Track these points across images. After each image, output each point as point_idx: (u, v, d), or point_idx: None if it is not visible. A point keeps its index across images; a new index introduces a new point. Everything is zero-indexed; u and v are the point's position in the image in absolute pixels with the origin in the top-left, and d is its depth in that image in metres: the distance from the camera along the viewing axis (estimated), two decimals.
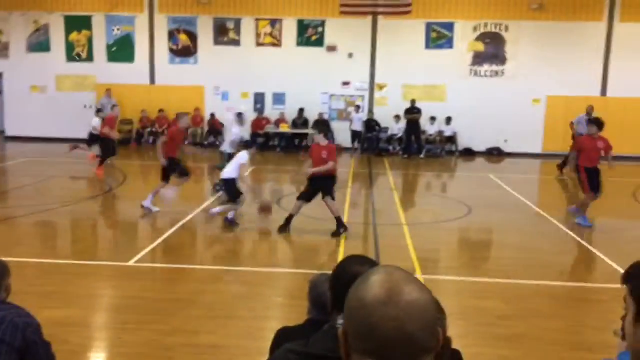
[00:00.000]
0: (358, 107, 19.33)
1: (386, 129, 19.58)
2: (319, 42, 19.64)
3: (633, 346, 1.38)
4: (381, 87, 19.80)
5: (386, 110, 19.53)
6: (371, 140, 19.39)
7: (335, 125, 19.81)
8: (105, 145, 14.21)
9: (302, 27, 19.64)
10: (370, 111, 19.64)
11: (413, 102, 18.97)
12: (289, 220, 8.94)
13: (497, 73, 19.38)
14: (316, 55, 19.62)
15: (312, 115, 19.60)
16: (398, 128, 19.47)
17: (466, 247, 9.05)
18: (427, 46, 19.38)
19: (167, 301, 6.07)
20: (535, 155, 19.27)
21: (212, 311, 5.82)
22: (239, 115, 12.35)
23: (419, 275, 7.03)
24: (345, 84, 19.81)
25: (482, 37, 19.28)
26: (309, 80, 19.54)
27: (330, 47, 19.56)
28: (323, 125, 10.35)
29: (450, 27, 19.24)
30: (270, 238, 9.02)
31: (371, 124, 19.42)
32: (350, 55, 19.55)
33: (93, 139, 15.14)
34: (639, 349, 1.38)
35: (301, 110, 19.64)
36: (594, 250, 8.56)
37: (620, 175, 16.11)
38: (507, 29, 19.15)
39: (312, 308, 2.82)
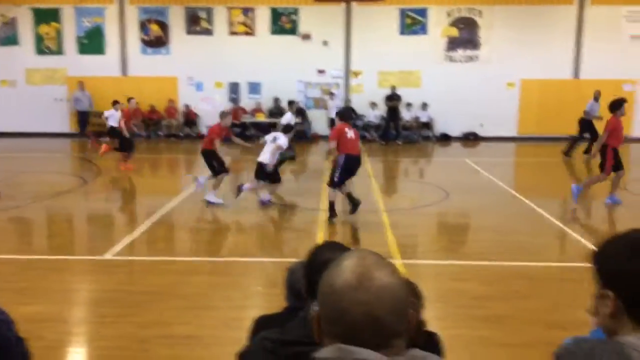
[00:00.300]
0: (332, 94, 19.28)
1: (362, 116, 19.57)
2: (293, 30, 19.52)
3: (600, 323, 1.40)
4: (356, 74, 19.77)
5: (362, 97, 19.52)
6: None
7: (312, 114, 19.77)
8: (125, 139, 13.84)
9: (276, 15, 19.49)
10: (347, 99, 19.61)
11: (393, 88, 19.01)
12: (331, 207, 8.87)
13: (471, 58, 19.47)
14: (290, 44, 19.50)
15: (287, 104, 19.51)
16: (374, 115, 19.48)
17: (444, 230, 9.11)
18: (402, 32, 19.38)
19: (144, 294, 6.00)
20: (511, 138, 19.45)
21: (188, 302, 5.77)
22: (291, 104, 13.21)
23: (398, 260, 7.05)
24: (321, 71, 19.73)
25: (456, 23, 19.34)
26: (284, 69, 19.42)
27: (305, 35, 19.45)
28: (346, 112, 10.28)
29: (423, 12, 19.25)
30: (250, 228, 8.97)
31: (342, 113, 19.33)
32: (325, 43, 19.46)
33: (114, 133, 14.14)
34: (606, 325, 1.40)
35: (277, 100, 19.53)
36: (569, 231, 8.67)
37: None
38: (480, 14, 19.22)
39: (288, 295, 2.80)
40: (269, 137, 10.22)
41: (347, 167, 8.80)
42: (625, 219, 9.47)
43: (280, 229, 9.11)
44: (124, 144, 13.89)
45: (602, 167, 10.24)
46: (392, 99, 18.96)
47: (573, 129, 18.50)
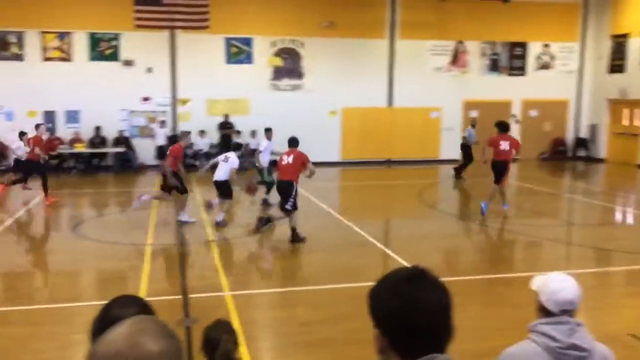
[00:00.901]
0: (162, 122, 18.81)
1: (190, 145, 19.30)
2: (114, 56, 18.75)
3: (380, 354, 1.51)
4: (184, 102, 19.50)
5: (190, 126, 19.23)
6: None
7: (137, 143, 19.08)
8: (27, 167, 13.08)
9: (94, 40, 18.59)
10: (174, 127, 19.24)
11: (226, 116, 19.00)
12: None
13: (296, 87, 20.18)
14: (112, 70, 18.69)
15: (110, 134, 18.64)
16: (204, 143, 19.32)
17: (275, 259, 9.26)
18: (228, 61, 19.53)
19: None
20: (334, 163, 20.41)
21: None
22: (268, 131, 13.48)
23: (226, 292, 7.02)
24: (145, 99, 19.16)
25: (280, 53, 19.95)
26: (105, 97, 18.54)
27: (127, 62, 18.78)
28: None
29: (248, 42, 19.62)
30: (66, 269, 8.36)
31: (175, 139, 18.99)
32: (149, 70, 18.96)
33: (21, 165, 13.39)
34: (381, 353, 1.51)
35: (98, 128, 18.56)
36: (388, 251, 9.28)
37: (405, 177, 17.79)
38: (302, 45, 20.05)
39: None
40: (220, 158, 11.04)
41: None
42: (436, 237, 10.36)
43: (103, 269, 8.61)
44: (33, 173, 13.14)
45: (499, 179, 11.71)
46: (225, 127, 18.96)
47: (389, 154, 19.86)
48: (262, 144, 13.22)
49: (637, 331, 5.95)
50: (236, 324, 5.95)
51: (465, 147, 17.21)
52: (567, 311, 2.47)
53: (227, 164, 10.72)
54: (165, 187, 11.09)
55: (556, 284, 2.52)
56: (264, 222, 9.99)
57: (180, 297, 6.85)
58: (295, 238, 9.53)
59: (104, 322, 1.75)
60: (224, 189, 10.80)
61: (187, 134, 11.61)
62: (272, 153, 12.83)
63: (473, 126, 17.54)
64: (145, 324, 1.18)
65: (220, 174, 10.75)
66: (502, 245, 10.23)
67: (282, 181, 9.69)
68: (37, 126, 13.72)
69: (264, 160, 12.76)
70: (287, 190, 9.55)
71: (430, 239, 10.01)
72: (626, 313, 6.78)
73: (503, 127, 12.03)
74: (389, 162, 18.98)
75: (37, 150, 12.84)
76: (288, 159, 9.67)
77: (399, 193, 15.85)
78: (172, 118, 19.45)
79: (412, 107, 20.65)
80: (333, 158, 20.50)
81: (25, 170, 13.37)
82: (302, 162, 9.73)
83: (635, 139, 19.94)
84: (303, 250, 9.82)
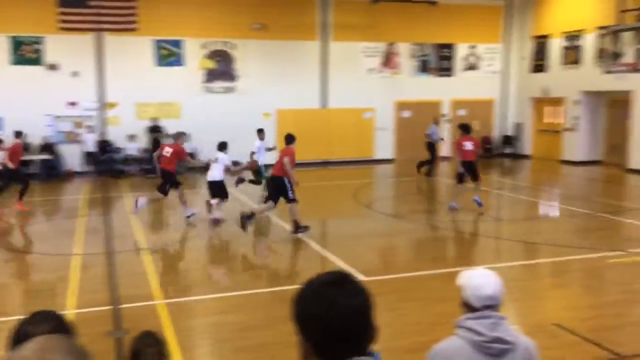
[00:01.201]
0: (90, 127, 18.21)
1: (119, 149, 18.81)
2: (38, 60, 18.01)
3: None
4: (112, 106, 18.95)
5: (119, 130, 18.76)
6: (106, 162, 18.43)
7: (64, 149, 18.40)
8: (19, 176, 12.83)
9: (16, 44, 17.79)
10: (102, 132, 18.69)
11: (155, 120, 18.58)
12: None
13: (229, 89, 19.99)
14: (35, 75, 17.94)
15: (34, 139, 17.89)
16: (134, 148, 18.84)
17: (209, 264, 9.13)
18: (158, 63, 19.13)
19: None
20: (270, 165, 20.32)
21: None
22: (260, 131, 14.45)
23: (159, 300, 6.86)
24: (72, 104, 18.49)
25: (212, 55, 19.70)
26: (29, 102, 17.76)
27: (52, 65, 18.07)
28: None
29: (179, 44, 19.27)
30: None
31: (103, 144, 18.48)
32: (75, 74, 18.30)
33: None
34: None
35: (18, 133, 17.74)
36: (325, 252, 9.32)
37: (340, 178, 17.96)
38: (235, 47, 19.87)
39: None
40: (212, 158, 11.55)
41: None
42: (372, 236, 10.48)
43: (30, 280, 8.24)
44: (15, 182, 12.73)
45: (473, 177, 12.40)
46: (156, 131, 18.54)
47: (326, 154, 19.98)
48: (255, 144, 14.14)
49: (561, 321, 6.22)
50: (170, 333, 5.82)
51: (430, 145, 17.51)
52: (489, 306, 2.54)
53: (218, 164, 11.18)
54: (161, 188, 11.35)
55: (478, 280, 2.59)
56: (248, 218, 9.95)
57: (111, 307, 6.65)
58: (299, 228, 9.96)
59: (17, 339, 1.69)
60: (218, 189, 11.28)
61: (182, 134, 12.06)
62: (268, 149, 14.21)
63: (436, 123, 17.86)
64: (53, 342, 1.16)
65: (214, 174, 11.18)
66: (436, 242, 10.47)
67: (273, 177, 10.37)
68: (17, 134, 13.57)
69: (260, 159, 13.80)
70: (279, 185, 10.15)
71: (366, 238, 10.12)
72: (551, 303, 7.08)
73: (465, 129, 12.66)
74: (325, 163, 19.14)
75: (6, 160, 12.55)
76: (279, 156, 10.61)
77: (335, 193, 15.97)
78: (100, 123, 18.87)
79: (346, 108, 20.84)
80: (269, 160, 20.40)
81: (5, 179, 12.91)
82: (284, 156, 10.31)
83: (557, 135, 20.89)
84: (238, 254, 9.73)
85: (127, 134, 18.68)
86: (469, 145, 12.34)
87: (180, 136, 11.90)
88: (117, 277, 7.88)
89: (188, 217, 11.35)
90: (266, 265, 8.56)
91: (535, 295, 7.31)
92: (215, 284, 7.83)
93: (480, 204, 12.16)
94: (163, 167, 11.36)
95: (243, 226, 9.86)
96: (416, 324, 6.28)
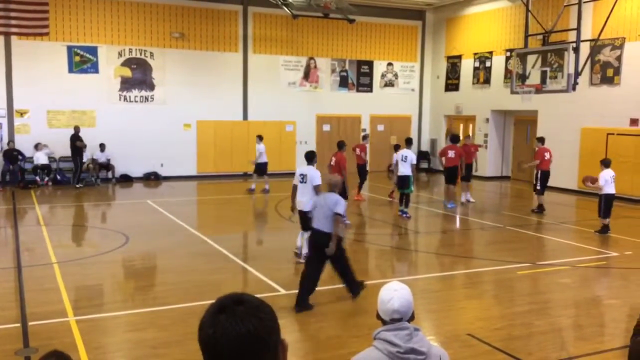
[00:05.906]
0: None
1: (31, 159, 17.89)
2: None
3: None
4: (22, 114, 18.02)
5: (29, 138, 17.86)
6: (14, 172, 17.46)
7: None
8: None
9: None
10: (11, 140, 17.71)
11: (76, 128, 17.66)
12: None
13: (147, 98, 19.50)
14: None
15: None
16: (43, 156, 17.94)
17: (125, 279, 8.82)
18: (71, 70, 18.39)
19: None
20: (191, 177, 19.99)
21: None
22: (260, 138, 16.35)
23: (71, 317, 6.56)
24: None
25: (128, 63, 19.18)
26: None
27: None
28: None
29: (93, 51, 18.62)
30: None
31: (13, 153, 17.49)
32: None
33: None
34: None
35: None
36: (246, 265, 9.25)
37: (273, 190, 17.89)
38: (152, 55, 19.44)
39: None
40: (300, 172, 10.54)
41: None
42: (293, 249, 10.49)
43: None
44: None
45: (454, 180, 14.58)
46: (77, 139, 17.64)
47: (246, 167, 19.83)
48: (258, 148, 16.54)
49: (475, 331, 6.47)
50: (82, 351, 5.58)
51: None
52: (396, 320, 2.64)
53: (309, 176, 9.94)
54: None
55: (385, 294, 2.70)
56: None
57: (19, 325, 6.30)
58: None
59: None
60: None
61: (343, 143, 13.04)
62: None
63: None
64: None
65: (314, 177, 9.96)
66: (355, 254, 10.61)
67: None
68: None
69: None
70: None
71: (287, 251, 10.11)
72: (465, 314, 7.35)
73: (453, 139, 14.76)
74: (246, 175, 19.02)
75: None
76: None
77: (257, 206, 15.89)
78: (9, 130, 17.90)
79: (268, 121, 20.84)
80: (189, 172, 20.09)
81: None
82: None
83: None
84: (156, 268, 9.47)
85: (38, 142, 17.82)
86: (451, 153, 14.48)
87: (342, 146, 12.97)
88: (27, 293, 7.47)
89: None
90: (184, 280, 8.35)
91: (450, 306, 7.56)
92: (132, 300, 7.57)
93: (467, 202, 15.09)
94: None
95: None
96: (338, 336, 6.34)
